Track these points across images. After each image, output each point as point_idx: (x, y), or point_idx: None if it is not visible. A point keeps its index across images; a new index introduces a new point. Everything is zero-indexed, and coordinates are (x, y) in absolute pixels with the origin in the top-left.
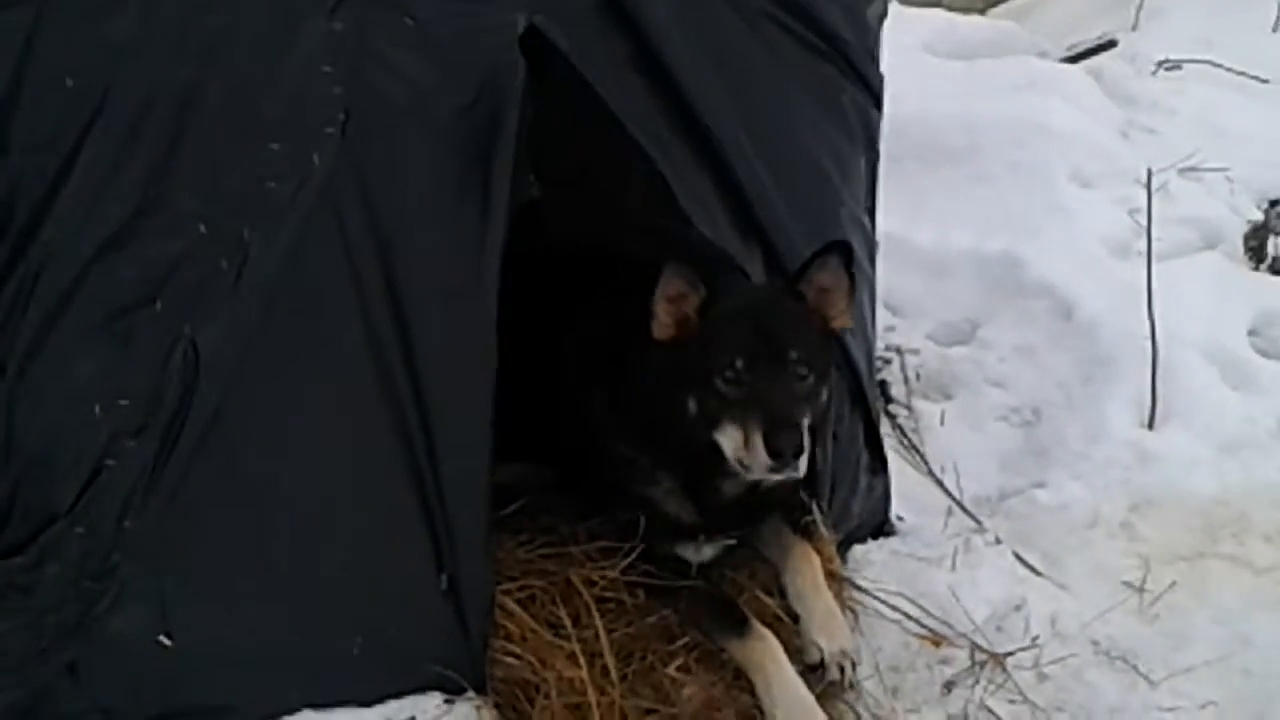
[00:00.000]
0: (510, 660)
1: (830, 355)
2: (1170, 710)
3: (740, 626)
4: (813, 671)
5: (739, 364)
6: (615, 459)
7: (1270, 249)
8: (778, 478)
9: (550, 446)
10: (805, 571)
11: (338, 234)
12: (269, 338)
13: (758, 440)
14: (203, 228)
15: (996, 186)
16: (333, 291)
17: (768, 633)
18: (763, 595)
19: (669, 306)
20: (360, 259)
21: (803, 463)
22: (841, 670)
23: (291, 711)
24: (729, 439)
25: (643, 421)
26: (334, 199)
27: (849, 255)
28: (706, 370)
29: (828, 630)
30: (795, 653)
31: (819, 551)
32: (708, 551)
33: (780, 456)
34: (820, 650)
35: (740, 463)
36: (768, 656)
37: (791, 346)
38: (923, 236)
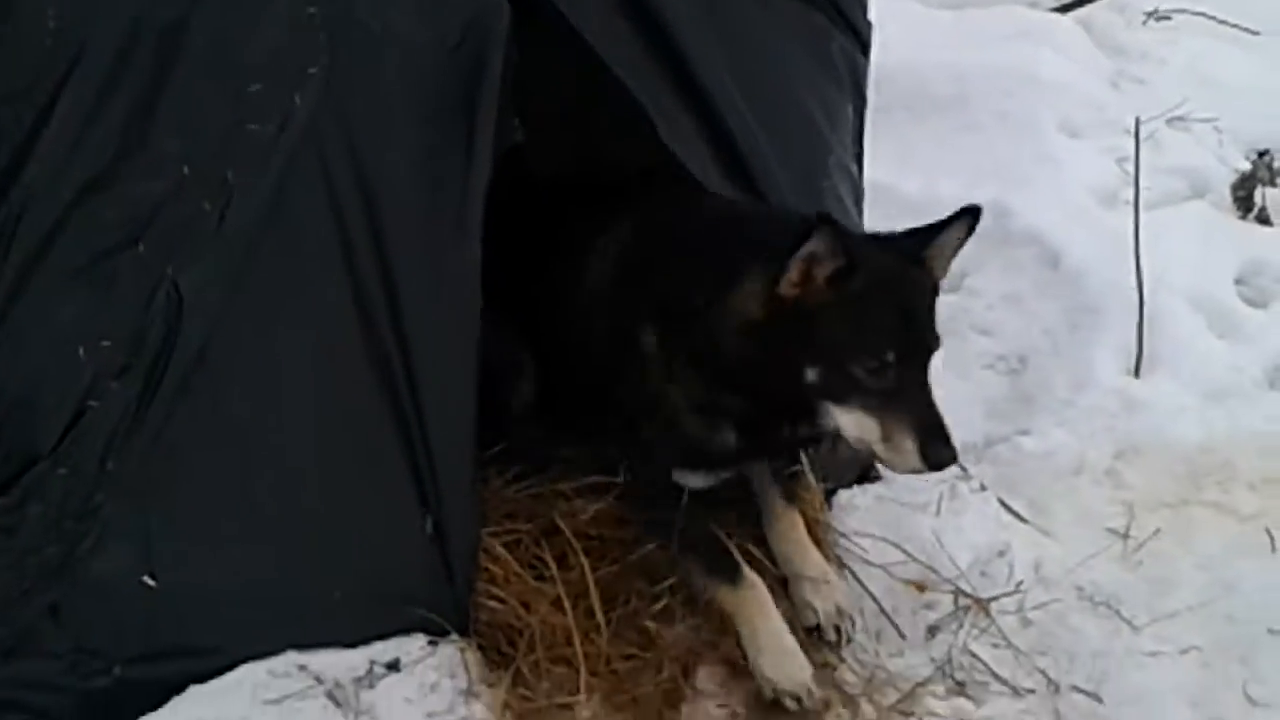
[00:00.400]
0: (494, 604)
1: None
2: (1153, 655)
3: (733, 574)
4: (809, 634)
5: (889, 356)
6: (662, 401)
7: (1258, 199)
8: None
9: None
10: (790, 535)
11: (321, 176)
12: (253, 280)
13: (908, 445)
14: (185, 169)
15: (985, 136)
16: (317, 234)
17: (758, 580)
18: (752, 547)
19: (801, 266)
20: (344, 201)
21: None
22: (838, 630)
23: (275, 652)
24: (860, 426)
25: (718, 369)
26: (317, 141)
27: (976, 219)
28: (841, 350)
29: (820, 592)
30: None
31: (807, 500)
32: (704, 480)
33: (939, 468)
34: (816, 613)
35: (871, 451)
36: (756, 606)
37: (936, 342)
38: (910, 185)
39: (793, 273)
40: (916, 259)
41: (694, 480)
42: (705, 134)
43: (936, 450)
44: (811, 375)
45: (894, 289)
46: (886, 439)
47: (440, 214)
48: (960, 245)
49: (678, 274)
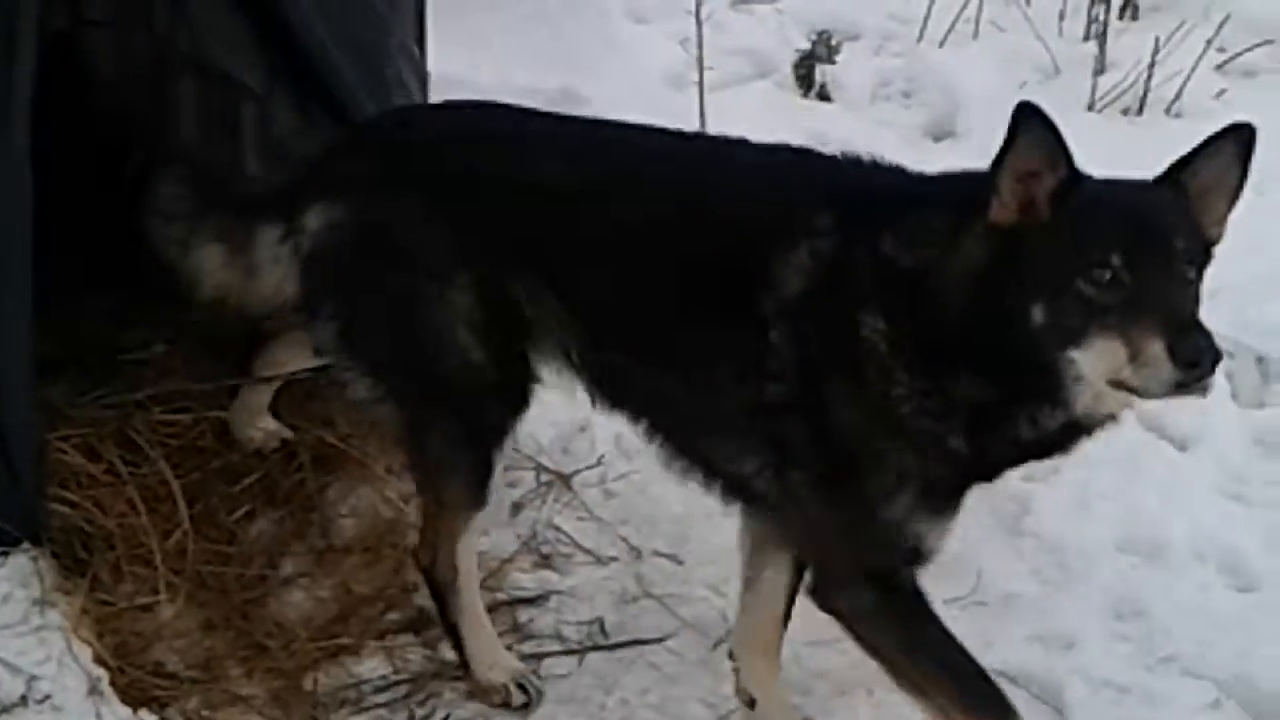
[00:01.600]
0: (67, 510)
1: (1205, 272)
2: (729, 516)
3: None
4: None
5: (1115, 260)
6: (887, 395)
7: (818, 76)
8: (1176, 398)
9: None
10: None
11: None
12: None
13: (1157, 350)
14: None
15: (555, 24)
16: None
17: None
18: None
19: (1017, 185)
20: None
21: (1216, 378)
22: None
23: None
24: (1100, 356)
25: (949, 345)
26: None
27: (1251, 139)
28: (1065, 270)
29: None
30: None
31: None
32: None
33: (1195, 366)
34: None
35: (1122, 384)
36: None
37: (1177, 235)
38: (483, 76)
39: (1004, 192)
40: (1172, 180)
41: (930, 531)
42: (252, 23)
43: (1188, 344)
44: (1039, 315)
45: (1123, 194)
46: (1134, 356)
47: None
48: (1229, 178)
49: (893, 244)
